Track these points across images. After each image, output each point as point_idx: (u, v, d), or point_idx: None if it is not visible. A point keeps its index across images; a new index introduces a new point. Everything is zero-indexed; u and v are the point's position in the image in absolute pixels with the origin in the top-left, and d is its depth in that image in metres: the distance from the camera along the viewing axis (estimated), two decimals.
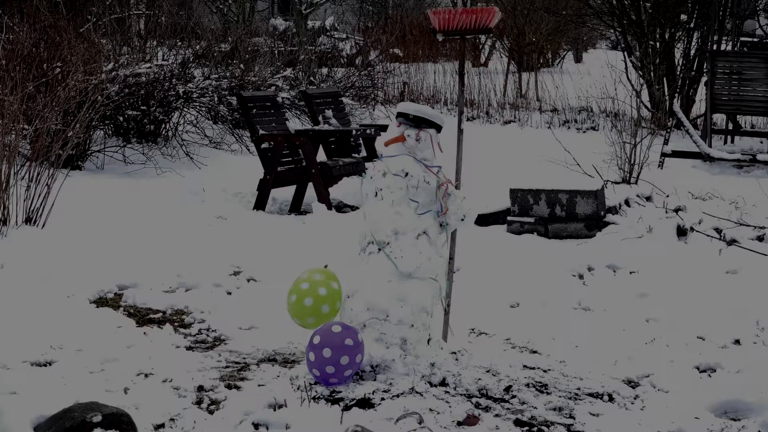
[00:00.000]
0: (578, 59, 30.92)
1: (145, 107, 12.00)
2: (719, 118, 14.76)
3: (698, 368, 5.48)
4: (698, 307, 6.48)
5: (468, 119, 17.16)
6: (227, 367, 5.33)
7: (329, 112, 10.72)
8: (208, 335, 5.94)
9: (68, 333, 5.58)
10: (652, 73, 16.09)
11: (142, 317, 6.20)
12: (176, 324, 6.09)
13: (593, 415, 4.74)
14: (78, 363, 5.18)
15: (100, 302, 6.45)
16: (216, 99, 13.34)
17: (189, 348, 5.65)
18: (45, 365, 5.18)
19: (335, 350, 4.75)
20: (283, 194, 10.15)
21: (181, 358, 5.39)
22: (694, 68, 15.88)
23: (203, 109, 13.44)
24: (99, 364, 5.18)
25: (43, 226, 7.94)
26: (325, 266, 5.69)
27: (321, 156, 10.29)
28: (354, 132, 10.59)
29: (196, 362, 5.34)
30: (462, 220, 5.14)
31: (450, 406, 4.65)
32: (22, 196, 7.93)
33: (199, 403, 4.76)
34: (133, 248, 7.55)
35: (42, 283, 6.50)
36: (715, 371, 5.43)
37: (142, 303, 6.46)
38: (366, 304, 5.01)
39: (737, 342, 5.93)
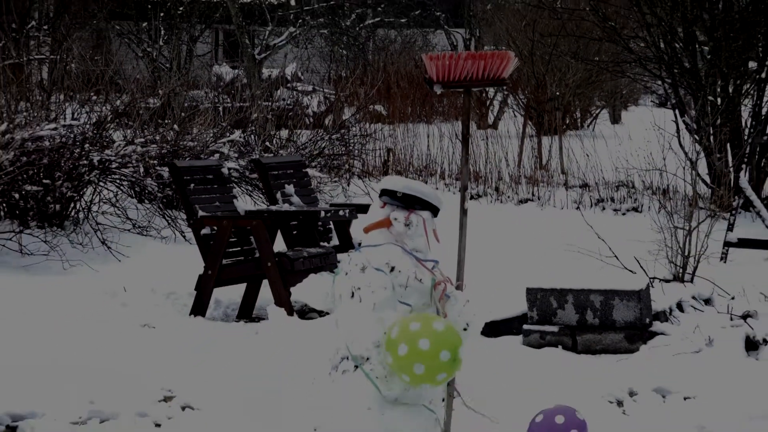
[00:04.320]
0: (616, 119, 31.25)
1: (48, 181, 12.05)
2: None
3: None
4: None
5: (473, 197, 17.28)
6: None
7: (290, 188, 10.80)
8: None
9: None
10: (711, 138, 16.27)
11: None
12: None
13: None
14: None
15: None
16: (142, 170, 13.40)
17: None
18: None
19: None
20: (230, 295, 10.16)
21: None
22: (767, 132, 16.06)
23: (125, 183, 13.49)
24: None
25: None
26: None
27: (279, 245, 10.34)
28: (323, 214, 10.66)
29: None
30: (465, 329, 5.18)
31: None
32: None
33: None
34: (31, 367, 7.54)
35: None
36: None
37: None
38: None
39: None
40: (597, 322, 8.60)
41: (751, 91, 16.62)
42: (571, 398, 7.32)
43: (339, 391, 5.11)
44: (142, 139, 13.75)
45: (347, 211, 10.78)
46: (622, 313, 8.57)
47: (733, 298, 9.47)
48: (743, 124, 16.72)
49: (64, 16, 26.74)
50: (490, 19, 29.92)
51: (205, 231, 9.80)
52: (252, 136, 16.72)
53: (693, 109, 16.66)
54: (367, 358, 5.07)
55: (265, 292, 9.84)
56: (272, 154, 15.87)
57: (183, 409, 7.07)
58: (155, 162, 13.40)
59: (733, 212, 13.27)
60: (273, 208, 10.48)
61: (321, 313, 9.06)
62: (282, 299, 9.44)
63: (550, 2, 22.24)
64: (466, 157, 5.67)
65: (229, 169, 11.54)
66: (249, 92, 20.14)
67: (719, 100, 16.42)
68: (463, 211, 5.56)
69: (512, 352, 8.42)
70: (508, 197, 17.87)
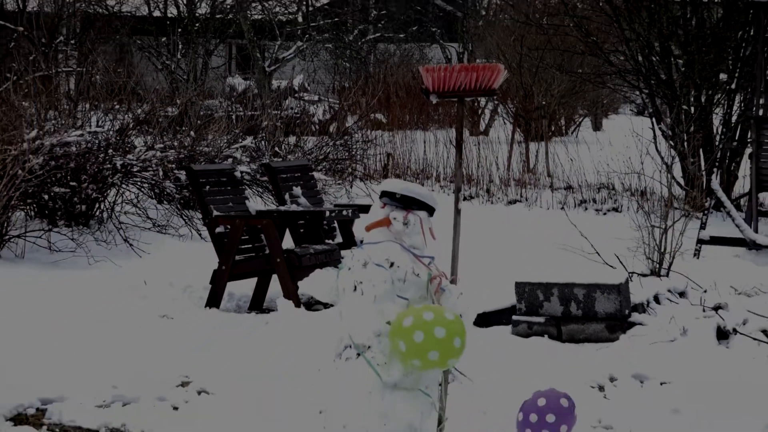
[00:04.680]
0: (597, 127, 31.25)
1: (75, 183, 12.05)
2: (767, 198, 14.90)
3: None
4: (744, 426, 6.51)
5: (466, 198, 17.28)
6: None
7: (297, 190, 10.80)
8: None
9: None
10: (685, 144, 16.26)
11: None
12: None
13: None
14: None
15: (19, 420, 6.44)
16: (161, 173, 13.40)
17: None
18: None
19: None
20: (242, 288, 10.16)
21: None
22: (737, 138, 16.06)
23: (145, 185, 13.49)
24: None
25: None
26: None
27: (288, 242, 10.33)
28: (327, 214, 10.65)
29: None
30: None
31: None
32: None
33: None
34: (59, 354, 7.54)
35: None
36: None
37: (70, 420, 6.45)
38: (342, 422, 5.02)
39: None
40: (580, 314, 8.60)
41: (722, 101, 16.62)
42: (556, 384, 7.30)
43: (342, 377, 5.11)
44: (162, 145, 13.75)
45: (350, 211, 10.78)
46: (603, 305, 8.57)
47: (705, 292, 9.47)
48: (714, 131, 16.72)
49: (90, 32, 26.73)
50: (482, 34, 29.91)
51: (220, 229, 9.80)
52: (262, 142, 16.73)
53: (668, 117, 16.65)
54: (369, 347, 5.06)
55: (275, 285, 9.85)
56: (281, 159, 15.88)
57: (199, 393, 7.07)
58: (173, 166, 13.40)
59: (706, 212, 13.27)
60: (282, 208, 10.48)
61: (326, 305, 9.06)
62: (290, 292, 9.44)
63: (537, 19, 22.22)
64: (460, 162, 5.66)
65: (241, 172, 11.55)
66: (260, 102, 20.15)
67: (692, 109, 16.43)
68: (457, 211, 5.55)
69: (502, 341, 8.42)
70: (498, 198, 17.87)
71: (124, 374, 7.13)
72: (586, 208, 16.91)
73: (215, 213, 9.80)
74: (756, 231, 12.78)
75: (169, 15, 32.03)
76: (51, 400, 6.74)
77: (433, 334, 4.78)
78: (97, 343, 7.96)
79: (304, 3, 35.52)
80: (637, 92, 18.72)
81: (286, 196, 10.70)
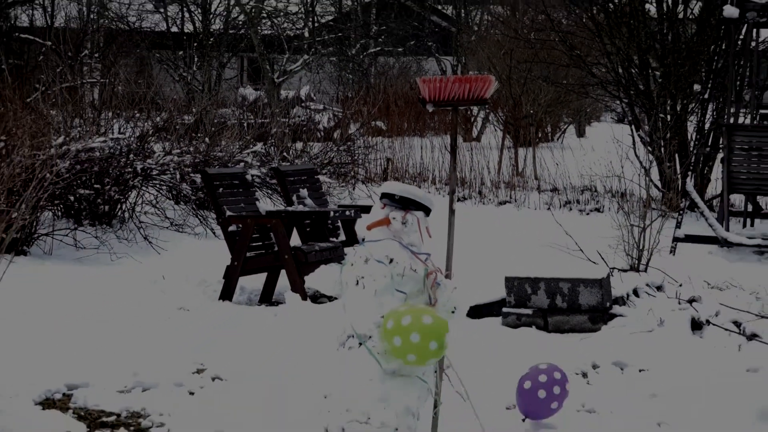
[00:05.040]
0: (581, 133, 31.25)
1: (98, 186, 12.06)
2: (737, 199, 14.91)
3: None
4: (716, 410, 6.50)
5: (459, 199, 17.28)
6: None
7: (304, 192, 10.80)
8: None
9: None
10: (662, 149, 16.28)
11: (94, 420, 6.19)
12: (132, 428, 6.08)
13: None
14: None
15: (47, 404, 6.44)
16: (178, 177, 13.40)
17: None
18: None
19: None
20: (253, 283, 10.16)
21: None
22: (709, 144, 16.06)
23: (164, 187, 13.49)
24: None
25: None
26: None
27: (295, 240, 10.33)
28: (332, 214, 10.65)
29: None
30: (453, 312, 5.17)
31: None
32: None
33: None
34: (84, 343, 7.55)
35: None
36: None
37: (94, 404, 6.44)
38: (345, 406, 5.02)
39: None
40: (565, 306, 8.61)
41: (696, 110, 16.65)
42: None
43: (345, 365, 5.10)
44: (179, 150, 13.75)
45: (353, 211, 10.78)
46: (586, 298, 8.58)
47: (680, 286, 9.47)
48: (689, 137, 16.74)
49: (113, 46, 26.73)
50: (474, 48, 29.87)
51: (232, 228, 9.81)
52: (272, 148, 16.73)
53: (646, 124, 16.66)
54: (370, 337, 5.06)
55: (283, 280, 9.85)
56: (289, 163, 15.88)
57: (213, 379, 7.07)
58: (189, 169, 13.41)
59: (681, 212, 13.27)
60: (289, 208, 10.48)
61: (330, 298, 9.05)
62: (297, 286, 9.45)
63: (525, 34, 22.23)
64: (454, 165, 5.66)
65: (252, 175, 11.54)
66: (269, 110, 20.15)
67: (669, 117, 16.45)
68: (451, 212, 5.55)
69: (493, 331, 8.43)
70: (490, 199, 17.88)
71: (144, 362, 7.13)
72: (571, 209, 16.92)
73: (228, 213, 9.80)
74: (727, 230, 12.79)
75: (186, 30, 32.05)
76: (76, 385, 6.74)
77: (409, 339, 4.78)
78: (119, 332, 7.96)
79: (310, 19, 35.52)
80: (618, 102, 18.74)
81: (294, 198, 10.70)
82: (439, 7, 42.37)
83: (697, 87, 16.59)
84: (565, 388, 6.25)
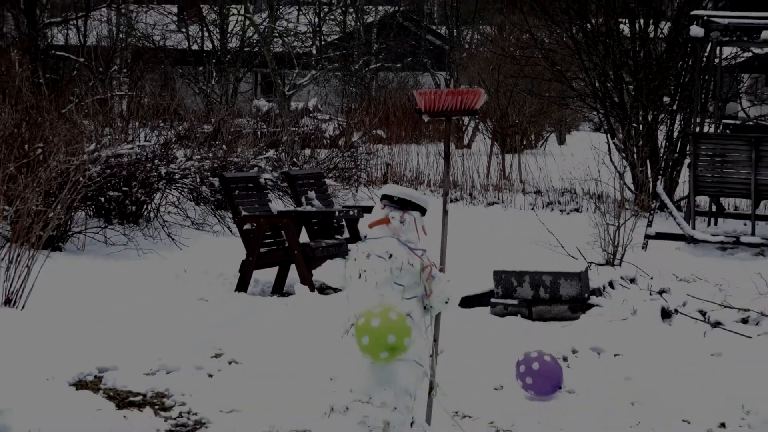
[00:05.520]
0: (561, 141, 31.21)
1: (126, 188, 12.06)
2: (702, 200, 14.90)
3: None
4: (683, 390, 6.50)
5: (452, 201, 17.27)
6: None
7: (312, 194, 10.79)
8: (188, 418, 5.93)
9: (47, 416, 5.56)
10: (635, 155, 16.26)
11: (122, 400, 6.19)
12: (157, 407, 6.08)
13: None
14: None
15: (80, 385, 6.44)
16: (198, 180, 13.41)
17: (169, 431, 5.64)
18: None
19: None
20: (266, 276, 10.16)
21: None
22: (677, 150, 16.06)
23: (185, 190, 13.49)
24: None
25: (23, 307, 7.94)
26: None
27: (304, 237, 10.33)
28: (337, 213, 10.65)
29: None
30: (446, 302, 5.17)
31: None
32: (1, 277, 7.94)
33: None
34: (113, 330, 7.54)
35: (20, 365, 6.48)
36: None
37: (122, 386, 6.45)
38: (349, 387, 5.01)
39: (723, 425, 5.95)
40: (547, 297, 8.60)
41: (665, 120, 16.64)
42: None
43: (349, 350, 5.10)
44: (199, 156, 13.76)
45: (356, 211, 10.78)
46: (566, 290, 8.57)
47: (651, 278, 9.47)
48: (659, 144, 16.73)
49: (139, 62, 26.71)
50: (466, 64, 29.86)
51: (247, 227, 9.81)
52: (283, 154, 16.73)
53: (621, 133, 16.65)
54: None
55: (293, 273, 9.85)
56: (298, 168, 15.87)
57: (229, 363, 7.07)
58: (208, 174, 13.42)
59: (652, 212, 13.27)
60: (299, 209, 10.47)
61: (336, 290, 9.04)
62: (306, 279, 9.45)
63: (511, 51, 22.21)
64: (447, 170, 5.65)
65: (265, 179, 11.53)
66: (280, 120, 20.15)
67: (641, 126, 16.43)
68: (445, 212, 5.54)
69: (482, 320, 8.42)
70: (479, 201, 17.87)
71: (168, 347, 7.13)
72: (552, 209, 16.91)
73: (243, 213, 9.80)
74: (693, 228, 12.79)
75: (206, 48, 32.01)
76: (107, 368, 6.74)
77: (360, 342, 4.83)
78: (145, 321, 7.96)
79: (318, 38, 35.52)
80: (595, 112, 18.74)
81: (303, 199, 10.70)
82: (434, 27, 42.39)
83: (666, 99, 16.59)
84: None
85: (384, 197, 5.22)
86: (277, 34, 32.16)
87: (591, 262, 9.56)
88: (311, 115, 24.25)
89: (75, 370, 6.62)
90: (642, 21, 16.65)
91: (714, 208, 14.05)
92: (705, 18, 13.31)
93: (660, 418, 5.98)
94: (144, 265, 10.65)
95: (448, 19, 40.84)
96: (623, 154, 16.49)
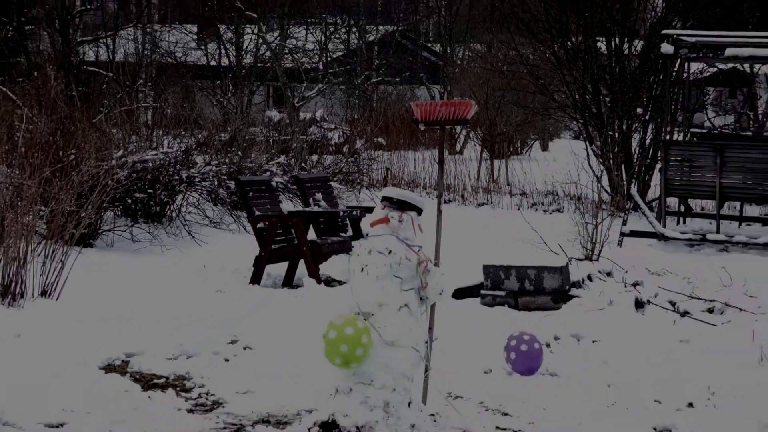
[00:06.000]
0: (545, 148, 31.22)
1: (151, 190, 12.06)
2: (672, 202, 14.90)
3: (655, 429, 5.49)
4: (655, 373, 6.50)
5: (446, 202, 17.26)
6: (225, 428, 5.31)
7: (319, 195, 10.79)
8: (207, 399, 5.92)
9: (79, 397, 5.56)
10: (611, 161, 16.28)
11: (147, 382, 6.19)
12: (178, 389, 6.07)
13: None
14: (87, 425, 5.16)
15: (109, 368, 6.43)
16: (216, 183, 13.41)
17: (190, 411, 5.63)
18: (57, 426, 5.16)
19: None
20: (277, 270, 10.16)
21: (182, 421, 5.37)
22: (649, 156, 16.04)
23: (204, 192, 13.50)
24: (107, 426, 5.16)
25: (57, 298, 7.95)
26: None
27: (311, 235, 10.32)
28: (341, 213, 10.64)
29: (196, 424, 5.32)
30: (440, 294, 5.17)
31: None
32: (38, 271, 7.94)
33: None
34: (139, 319, 7.54)
35: (55, 350, 6.48)
36: None
37: (147, 369, 6.44)
38: (352, 370, 5.01)
39: (690, 405, 5.95)
40: (532, 289, 8.59)
41: (638, 129, 16.62)
42: None
43: None
44: (216, 162, 13.76)
45: (358, 211, 10.78)
46: (549, 282, 8.57)
47: (626, 272, 9.46)
48: (633, 151, 16.73)
49: (163, 77, 26.71)
50: (458, 78, 29.86)
51: (260, 225, 9.80)
52: (292, 160, 16.72)
53: (598, 140, 16.66)
54: (372, 314, 5.06)
55: (302, 267, 9.84)
56: (306, 172, 15.86)
57: (244, 348, 7.06)
58: (225, 177, 13.42)
59: (626, 212, 13.26)
60: (307, 209, 10.46)
61: (341, 282, 9.03)
62: (313, 273, 9.44)
63: (499, 67, 22.21)
64: (441, 174, 5.65)
65: (276, 182, 11.56)
66: (290, 129, 20.14)
67: (616, 134, 16.44)
68: (439, 212, 5.54)
69: (473, 310, 8.41)
70: (470, 202, 17.86)
71: (188, 334, 7.12)
72: (536, 209, 16.90)
73: (257, 213, 9.80)
74: (664, 226, 12.78)
75: (223, 64, 32.01)
76: (133, 353, 6.74)
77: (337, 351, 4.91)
78: (168, 310, 7.95)
79: (324, 55, 35.51)
80: (575, 122, 18.74)
81: (310, 200, 10.69)
82: (429, 45, 42.40)
83: (639, 110, 16.59)
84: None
85: (384, 199, 5.22)
86: (287, 51, 32.17)
87: (571, 258, 9.56)
88: (318, 124, 24.24)
89: (104, 355, 6.62)
90: (617, 39, 16.66)
91: (683, 209, 14.05)
92: (674, 36, 13.31)
93: (634, 399, 5.98)
94: (167, 260, 10.64)
95: (442, 38, 40.87)
96: (600, 160, 16.50)
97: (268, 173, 14.21)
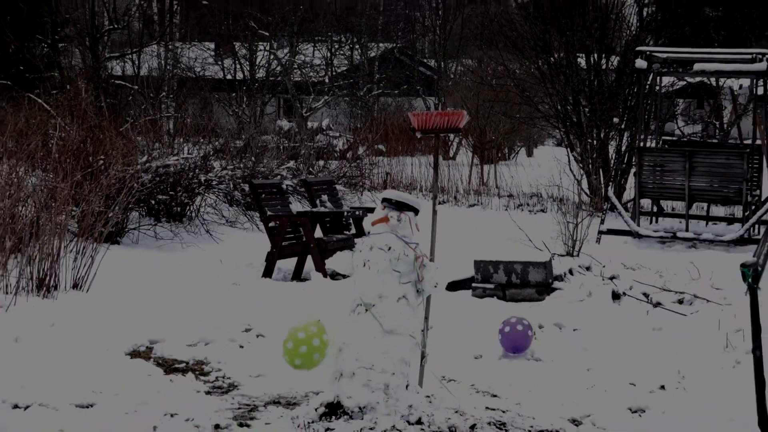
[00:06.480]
0: (530, 154, 31.19)
1: (172, 193, 12.05)
2: (646, 203, 14.88)
3: (630, 409, 5.48)
4: (630, 359, 6.50)
5: (440, 203, 17.25)
6: (239, 408, 5.31)
7: (325, 197, 10.78)
8: (223, 382, 5.92)
9: (107, 380, 5.56)
10: (590, 166, 16.26)
11: (169, 366, 6.18)
12: (197, 372, 6.07)
13: None
14: (115, 405, 5.16)
15: (134, 354, 6.43)
16: (231, 186, 13.40)
17: (207, 393, 5.63)
18: (87, 407, 5.16)
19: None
20: (287, 265, 10.15)
21: (200, 402, 5.37)
22: (625, 161, 16.04)
23: (221, 194, 13.49)
24: (132, 406, 5.15)
25: (88, 290, 7.94)
26: (318, 320, 5.66)
27: (318, 233, 10.32)
28: (345, 213, 10.64)
29: (213, 404, 5.32)
30: (435, 286, 5.17)
31: None
32: (70, 266, 7.94)
33: None
34: (161, 309, 7.54)
35: (85, 338, 6.48)
36: (644, 412, 5.44)
37: (169, 355, 6.44)
38: (355, 356, 5.01)
39: (662, 387, 5.94)
40: (518, 282, 8.59)
41: (615, 137, 16.62)
42: None
43: (356, 325, 5.09)
44: (232, 166, 13.75)
45: (361, 211, 10.76)
46: (534, 276, 8.56)
47: (604, 267, 9.45)
48: (610, 157, 16.71)
49: (183, 89, 26.68)
50: (451, 90, 29.83)
51: (272, 224, 9.79)
52: (301, 164, 16.71)
53: (578, 147, 16.65)
54: (373, 305, 5.05)
55: (310, 262, 9.84)
56: (313, 176, 15.86)
57: (257, 336, 7.06)
58: (240, 180, 13.41)
59: (604, 212, 13.25)
60: (314, 209, 10.46)
61: (345, 276, 9.02)
62: (320, 267, 9.43)
63: (488, 80, 22.20)
64: (436, 177, 5.64)
65: (286, 185, 11.54)
66: (299, 137, 20.12)
67: (595, 142, 16.43)
68: (434, 212, 5.54)
69: (465, 301, 8.42)
70: (462, 203, 17.84)
71: (206, 323, 7.12)
72: (522, 210, 16.88)
73: (268, 213, 9.79)
74: (638, 225, 12.77)
75: (237, 78, 31.99)
76: (156, 340, 6.73)
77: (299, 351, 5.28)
78: (188, 301, 7.95)
79: (329, 70, 35.50)
80: (557, 130, 18.72)
81: (317, 201, 10.69)
82: (425, 61, 42.40)
83: (615, 120, 16.58)
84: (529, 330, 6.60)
85: (384, 200, 5.22)
86: (296, 66, 32.14)
87: (554, 253, 9.56)
88: (324, 132, 24.24)
89: (130, 342, 6.61)
90: (596, 55, 16.65)
91: (655, 209, 14.03)
92: (648, 53, 13.31)
93: (611, 382, 5.97)
94: (187, 256, 10.64)
95: (437, 54, 40.88)
96: (580, 165, 16.48)
97: (279, 177, 14.20)
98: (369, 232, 5.26)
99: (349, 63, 37.55)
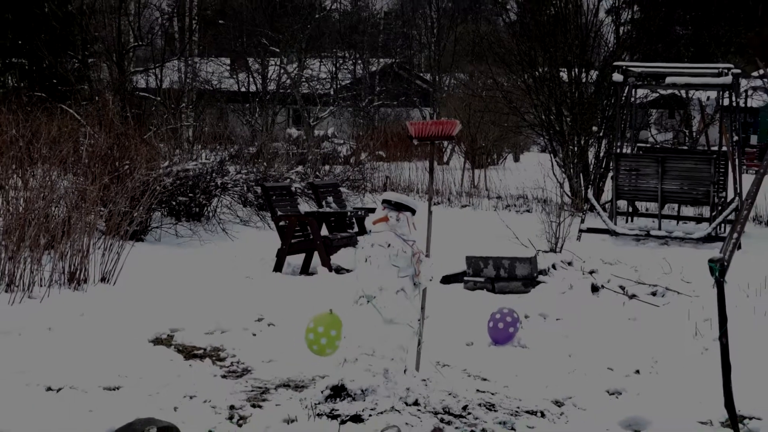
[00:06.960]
0: (517, 159, 31.20)
1: (191, 194, 12.05)
2: (622, 204, 14.89)
3: (608, 392, 5.48)
4: (608, 346, 6.49)
5: (435, 204, 17.24)
6: (252, 391, 5.30)
7: (330, 198, 10.78)
8: (238, 366, 5.91)
9: (132, 365, 5.55)
10: (571, 170, 16.25)
11: (189, 353, 6.18)
12: (214, 358, 6.06)
13: (529, 427, 4.73)
14: (139, 388, 5.15)
15: (156, 341, 6.42)
16: (245, 188, 13.40)
17: (223, 376, 5.62)
18: (114, 389, 5.15)
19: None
20: (296, 260, 10.14)
21: (217, 384, 5.36)
22: (603, 166, 16.06)
23: (236, 196, 13.49)
24: (155, 389, 5.14)
25: (114, 283, 7.94)
26: (330, 311, 5.65)
27: (324, 231, 10.31)
28: (349, 213, 10.63)
29: (228, 387, 5.31)
30: (430, 280, 5.16)
31: (421, 421, 4.64)
32: (98, 261, 7.94)
33: (230, 418, 4.74)
34: (182, 300, 7.53)
35: (112, 327, 6.47)
36: (621, 394, 5.44)
37: (189, 342, 6.43)
38: (358, 343, 5.00)
39: (637, 372, 5.94)
40: (506, 275, 8.59)
41: (594, 143, 16.64)
42: None
43: (358, 315, 5.09)
44: (246, 171, 13.75)
45: (363, 211, 10.78)
46: (520, 270, 8.56)
47: (584, 262, 9.46)
48: (589, 162, 16.72)
49: (201, 100, 26.67)
50: (445, 101, 29.85)
51: (282, 223, 9.79)
52: (308, 169, 16.70)
53: (561, 153, 16.64)
54: (375, 296, 5.05)
55: (316, 258, 9.83)
56: (320, 179, 15.85)
57: (269, 325, 7.05)
58: (253, 183, 13.41)
59: (584, 212, 13.25)
60: (320, 210, 10.46)
61: (348, 271, 9.02)
62: (326, 262, 9.43)
63: (479, 92, 22.19)
64: (431, 181, 5.64)
65: (295, 187, 11.52)
66: (307, 144, 20.12)
67: (576, 148, 16.42)
68: (429, 212, 5.53)
69: (457, 293, 8.42)
70: (455, 204, 17.83)
71: (222, 313, 7.12)
72: (510, 210, 16.87)
73: (279, 213, 9.79)
74: (615, 224, 12.77)
75: (251, 90, 31.99)
76: (177, 329, 6.73)
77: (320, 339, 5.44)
78: (206, 293, 7.95)
79: (334, 82, 35.50)
80: (542, 137, 18.72)
81: (323, 203, 10.69)
82: (421, 74, 42.41)
83: (595, 128, 16.59)
84: (517, 323, 6.54)
85: (384, 201, 5.21)
86: (304, 80, 32.13)
87: (539, 250, 9.56)
88: (329, 140, 24.23)
89: (153, 330, 6.61)
90: (576, 70, 16.64)
91: (630, 209, 14.04)
92: (624, 67, 13.30)
93: (590, 367, 5.97)
94: (205, 252, 10.63)
95: (432, 69, 40.91)
96: (563, 169, 16.47)
97: (288, 180, 14.19)
98: (370, 231, 5.25)
99: (353, 77, 37.55)
